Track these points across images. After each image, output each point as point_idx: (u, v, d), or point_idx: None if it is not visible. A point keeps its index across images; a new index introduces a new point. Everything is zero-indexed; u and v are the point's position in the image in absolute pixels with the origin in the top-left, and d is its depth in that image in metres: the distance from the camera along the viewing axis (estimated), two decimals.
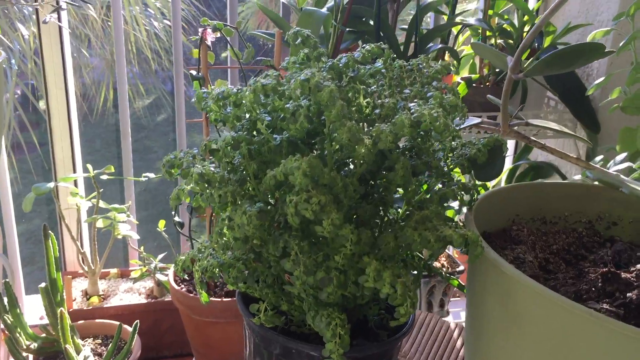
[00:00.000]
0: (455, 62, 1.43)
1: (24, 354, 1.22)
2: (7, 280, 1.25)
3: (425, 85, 0.64)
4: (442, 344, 0.82)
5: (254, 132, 0.57)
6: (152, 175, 1.21)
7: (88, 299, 1.47)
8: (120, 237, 1.42)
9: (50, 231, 1.23)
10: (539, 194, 0.68)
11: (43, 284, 1.21)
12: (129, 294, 1.50)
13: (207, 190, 0.51)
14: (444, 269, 1.49)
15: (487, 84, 1.41)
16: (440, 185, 0.58)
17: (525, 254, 0.61)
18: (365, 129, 0.59)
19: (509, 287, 0.49)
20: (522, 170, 1.61)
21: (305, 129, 0.52)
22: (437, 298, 1.46)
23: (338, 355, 0.49)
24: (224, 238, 0.59)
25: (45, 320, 1.28)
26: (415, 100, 0.57)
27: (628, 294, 0.52)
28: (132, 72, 5.85)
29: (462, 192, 0.58)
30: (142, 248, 1.48)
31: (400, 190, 0.57)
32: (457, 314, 1.69)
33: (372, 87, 0.62)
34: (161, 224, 1.45)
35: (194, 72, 1.06)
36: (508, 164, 1.65)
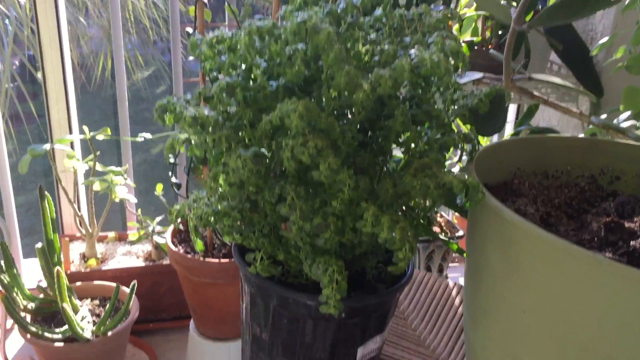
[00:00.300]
0: (457, 25, 1.40)
1: (22, 314, 1.22)
2: (3, 240, 1.24)
3: (427, 34, 0.62)
4: (440, 301, 0.82)
5: (250, 80, 0.56)
6: (148, 135, 1.19)
7: (86, 262, 1.46)
8: (117, 200, 1.41)
9: (46, 192, 1.23)
10: (541, 147, 0.67)
11: (40, 244, 1.20)
12: (127, 257, 1.50)
13: (201, 136, 0.50)
14: (443, 234, 1.49)
15: (490, 46, 1.38)
16: (441, 135, 0.57)
17: (527, 207, 0.60)
18: (365, 70, 0.57)
19: (510, 235, 0.48)
20: (523, 136, 1.59)
21: (302, 74, 0.50)
22: (436, 263, 1.45)
23: (335, 300, 0.48)
24: (219, 189, 0.58)
25: (44, 284, 1.28)
26: (416, 46, 0.55)
27: (632, 243, 0.51)
28: (131, 42, 5.77)
29: (463, 142, 0.57)
30: (139, 211, 1.47)
31: (400, 139, 0.56)
32: (455, 279, 1.69)
33: (372, 36, 0.60)
34: (159, 187, 1.44)
35: (190, 30, 1.04)
36: (509, 129, 1.64)
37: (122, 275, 1.42)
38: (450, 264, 1.72)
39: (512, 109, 1.65)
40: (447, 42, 0.54)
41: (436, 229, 1.51)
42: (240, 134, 0.53)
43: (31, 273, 1.61)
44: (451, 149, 0.56)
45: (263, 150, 0.52)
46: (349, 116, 0.54)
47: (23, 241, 1.64)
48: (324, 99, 0.53)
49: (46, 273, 1.22)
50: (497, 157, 0.64)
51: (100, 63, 5.61)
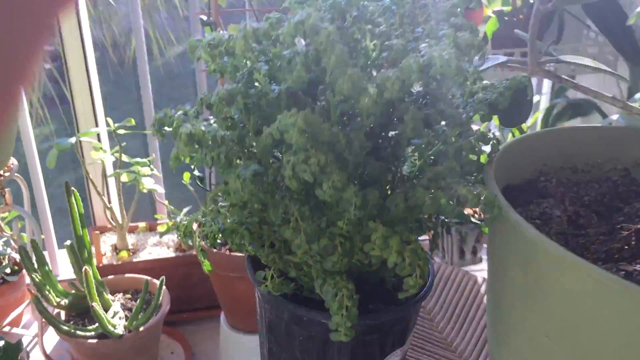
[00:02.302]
0: None
1: (56, 311, 1.23)
2: (33, 238, 1.25)
3: (441, 22, 0.58)
4: (468, 299, 0.78)
5: (253, 82, 0.53)
6: (169, 129, 1.17)
7: (117, 254, 1.47)
8: (145, 191, 1.41)
9: (73, 188, 1.22)
10: (569, 140, 0.62)
11: (68, 242, 1.21)
12: (158, 247, 1.50)
13: (199, 152, 0.47)
14: (476, 215, 1.44)
15: (521, 17, 1.32)
16: (457, 136, 0.53)
17: (553, 209, 0.56)
18: (374, 74, 0.54)
19: (531, 252, 0.44)
20: (559, 109, 1.53)
21: (304, 79, 0.47)
22: (470, 245, 1.41)
23: (346, 328, 0.45)
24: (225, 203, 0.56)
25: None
26: (427, 40, 0.51)
27: None
28: (161, 19, 5.78)
29: (479, 146, 0.52)
30: (167, 202, 1.46)
31: (412, 144, 0.52)
32: None
33: (382, 27, 0.56)
34: (186, 176, 1.42)
35: (204, 18, 1.01)
36: (545, 102, 1.57)
37: (153, 267, 1.42)
38: (485, 245, 1.67)
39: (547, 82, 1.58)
40: (461, 34, 0.50)
41: (469, 211, 1.46)
42: (243, 143, 0.49)
43: (67, 262, 1.62)
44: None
45: (265, 164, 0.49)
46: (358, 119, 0.51)
47: (57, 228, 1.66)
48: (329, 103, 0.49)
49: (76, 270, 1.22)
50: (521, 153, 0.60)
51: (133, 41, 5.62)
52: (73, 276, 1.31)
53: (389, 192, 0.53)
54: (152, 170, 1.41)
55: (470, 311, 0.76)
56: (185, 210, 1.43)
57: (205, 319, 1.50)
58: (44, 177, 1.57)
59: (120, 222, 1.46)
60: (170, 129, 0.53)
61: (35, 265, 1.20)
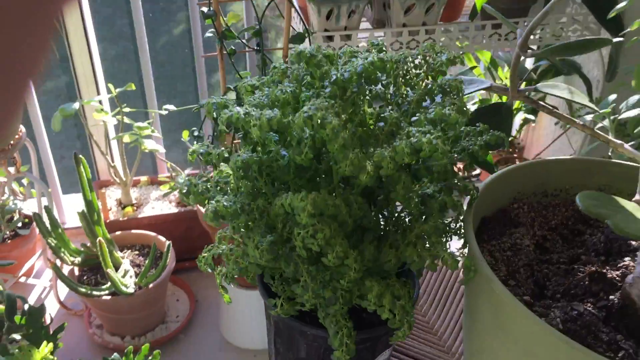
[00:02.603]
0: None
1: (70, 267, 1.34)
2: (46, 205, 1.34)
3: (430, 76, 0.65)
4: (449, 283, 0.89)
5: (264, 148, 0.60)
6: (172, 107, 1.23)
7: (123, 208, 1.56)
8: (147, 151, 1.48)
9: (81, 156, 1.30)
10: (541, 171, 0.71)
11: (80, 209, 1.30)
12: (160, 201, 1.59)
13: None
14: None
15: None
16: (441, 189, 0.61)
17: (523, 238, 0.66)
18: (370, 137, 0.61)
19: (499, 302, 0.54)
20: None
21: (310, 158, 0.55)
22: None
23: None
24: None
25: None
26: (418, 114, 0.59)
27: (611, 297, 0.57)
28: None
29: (461, 204, 0.61)
30: (169, 164, 1.54)
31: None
32: None
33: (378, 87, 0.63)
34: (185, 134, 1.50)
35: (205, 10, 1.05)
36: (530, 64, 1.63)
37: (157, 222, 1.52)
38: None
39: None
40: (448, 111, 0.57)
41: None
42: (257, 193, 0.58)
43: (73, 207, 1.69)
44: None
45: (278, 222, 0.57)
46: (356, 184, 0.59)
47: (62, 178, 1.73)
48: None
49: (88, 233, 1.32)
50: (498, 186, 0.69)
51: None
52: (79, 224, 1.40)
53: (382, 234, 0.63)
54: (153, 131, 1.48)
55: (450, 295, 0.88)
56: (186, 171, 1.51)
57: None
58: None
59: (124, 179, 1.54)
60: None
61: (50, 230, 1.29)
